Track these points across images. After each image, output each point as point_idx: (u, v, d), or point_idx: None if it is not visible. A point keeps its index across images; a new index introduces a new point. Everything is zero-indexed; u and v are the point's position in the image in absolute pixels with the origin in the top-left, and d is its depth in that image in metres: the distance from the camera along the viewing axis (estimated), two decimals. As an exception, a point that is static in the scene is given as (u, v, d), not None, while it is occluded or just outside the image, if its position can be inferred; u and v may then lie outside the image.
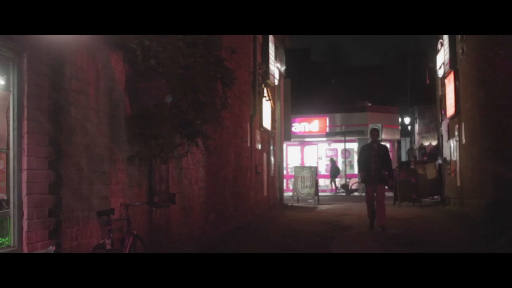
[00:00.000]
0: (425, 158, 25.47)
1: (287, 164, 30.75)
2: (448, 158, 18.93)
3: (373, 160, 13.05)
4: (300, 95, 30.34)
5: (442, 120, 20.26)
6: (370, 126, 26.07)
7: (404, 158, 37.32)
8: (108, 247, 6.36)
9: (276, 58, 19.58)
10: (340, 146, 32.63)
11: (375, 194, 13.15)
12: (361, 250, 10.23)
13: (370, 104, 34.35)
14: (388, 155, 13.86)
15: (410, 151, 34.58)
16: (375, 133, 13.79)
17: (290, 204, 21.32)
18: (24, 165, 5.29)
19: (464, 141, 15.62)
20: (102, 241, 6.42)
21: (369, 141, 15.07)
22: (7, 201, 5.23)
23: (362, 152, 13.79)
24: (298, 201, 21.66)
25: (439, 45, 18.73)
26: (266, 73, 17.48)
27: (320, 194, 22.93)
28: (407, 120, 39.60)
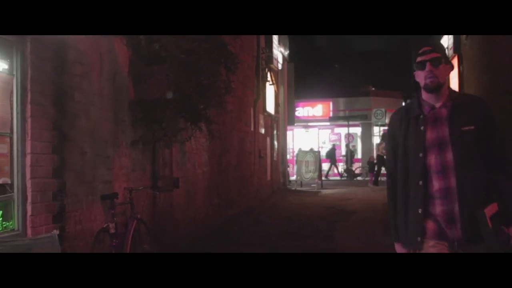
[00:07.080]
0: None
1: (293, 149, 30.71)
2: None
3: (432, 162, 3.38)
4: (304, 80, 30.26)
5: (446, 105, 20.21)
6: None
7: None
8: (112, 231, 6.39)
9: (279, 43, 19.52)
10: (343, 131, 32.60)
11: None
12: (364, 235, 10.28)
13: (373, 88, 34.31)
14: (503, 136, 3.75)
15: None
16: (434, 55, 3.40)
17: (293, 188, 21.36)
18: (28, 149, 5.30)
19: (468, 126, 15.58)
20: (106, 225, 6.45)
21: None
22: (11, 185, 5.24)
23: (390, 137, 3.62)
24: (301, 185, 21.70)
25: (443, 29, 18.63)
26: (270, 57, 17.44)
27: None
28: (410, 105, 39.43)
